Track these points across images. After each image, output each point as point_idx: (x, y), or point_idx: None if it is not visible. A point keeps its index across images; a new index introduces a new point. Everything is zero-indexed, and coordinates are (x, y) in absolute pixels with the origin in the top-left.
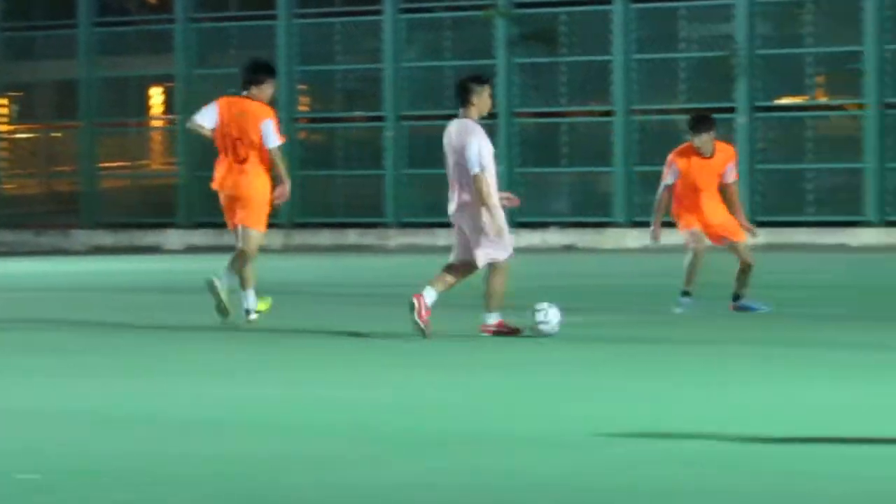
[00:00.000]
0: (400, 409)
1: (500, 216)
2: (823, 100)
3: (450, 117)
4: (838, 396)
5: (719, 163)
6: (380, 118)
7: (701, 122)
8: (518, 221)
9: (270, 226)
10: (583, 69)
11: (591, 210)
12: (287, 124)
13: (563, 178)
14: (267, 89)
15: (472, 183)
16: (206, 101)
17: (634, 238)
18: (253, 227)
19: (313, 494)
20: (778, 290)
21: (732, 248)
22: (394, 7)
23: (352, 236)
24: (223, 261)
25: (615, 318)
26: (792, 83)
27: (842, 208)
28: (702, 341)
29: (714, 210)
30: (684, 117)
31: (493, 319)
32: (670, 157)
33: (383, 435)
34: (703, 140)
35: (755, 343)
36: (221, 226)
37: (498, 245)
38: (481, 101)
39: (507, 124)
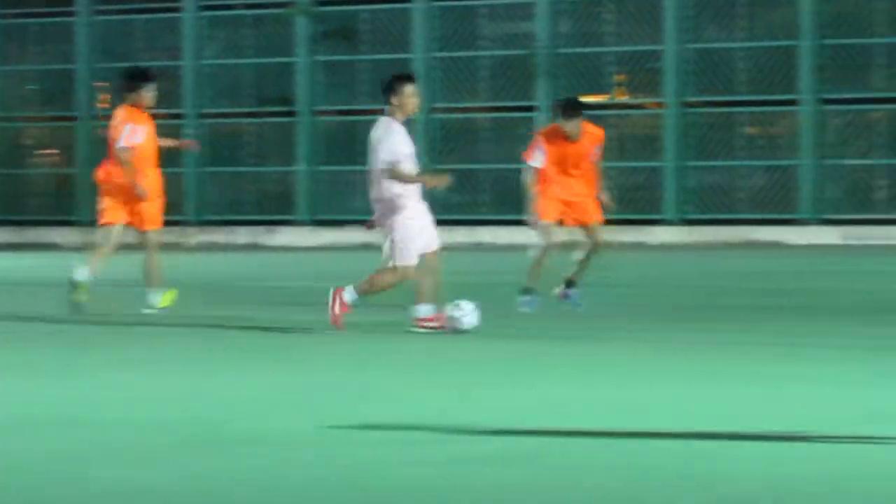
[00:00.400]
0: (202, 406)
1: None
2: (624, 98)
3: (250, 115)
4: (632, 393)
5: (587, 145)
6: (179, 116)
7: (571, 107)
8: (316, 219)
9: (68, 224)
10: (384, 67)
11: None
12: (86, 122)
13: (362, 175)
14: (145, 94)
15: (386, 180)
16: (4, 97)
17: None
18: (148, 227)
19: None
20: (586, 287)
21: (586, 228)
22: (194, 4)
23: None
24: (20, 258)
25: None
26: (593, 82)
27: (641, 206)
28: (505, 337)
29: (578, 189)
30: (485, 115)
31: (349, 297)
32: (537, 137)
33: (173, 432)
34: (573, 125)
35: (556, 340)
36: (17, 223)
37: (402, 250)
38: (402, 99)
39: (308, 122)
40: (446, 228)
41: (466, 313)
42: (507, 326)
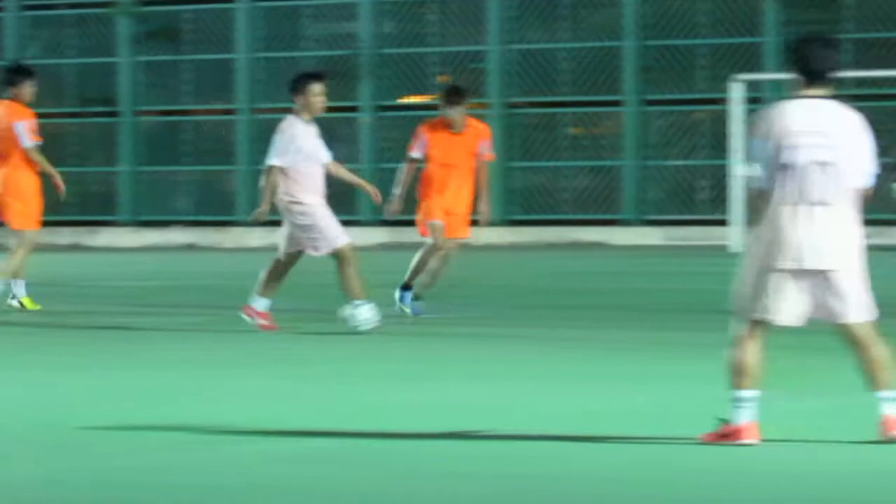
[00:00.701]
0: (31, 406)
1: (264, 211)
2: None
3: (72, 115)
4: (466, 395)
5: (471, 139)
6: None
7: (455, 93)
8: (139, 220)
9: None
10: (207, 68)
11: (213, 209)
12: None
13: (185, 176)
14: (25, 89)
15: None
16: None
17: (258, 237)
18: (25, 227)
19: None
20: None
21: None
22: (16, 3)
23: None
24: None
25: (227, 318)
26: (417, 82)
27: None
28: (323, 334)
29: (459, 197)
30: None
31: (355, 311)
32: (420, 129)
33: (10, 431)
34: (457, 113)
35: (383, 339)
36: None
37: (326, 238)
38: (306, 97)
39: (130, 123)
40: (271, 229)
41: (364, 313)
42: (332, 325)
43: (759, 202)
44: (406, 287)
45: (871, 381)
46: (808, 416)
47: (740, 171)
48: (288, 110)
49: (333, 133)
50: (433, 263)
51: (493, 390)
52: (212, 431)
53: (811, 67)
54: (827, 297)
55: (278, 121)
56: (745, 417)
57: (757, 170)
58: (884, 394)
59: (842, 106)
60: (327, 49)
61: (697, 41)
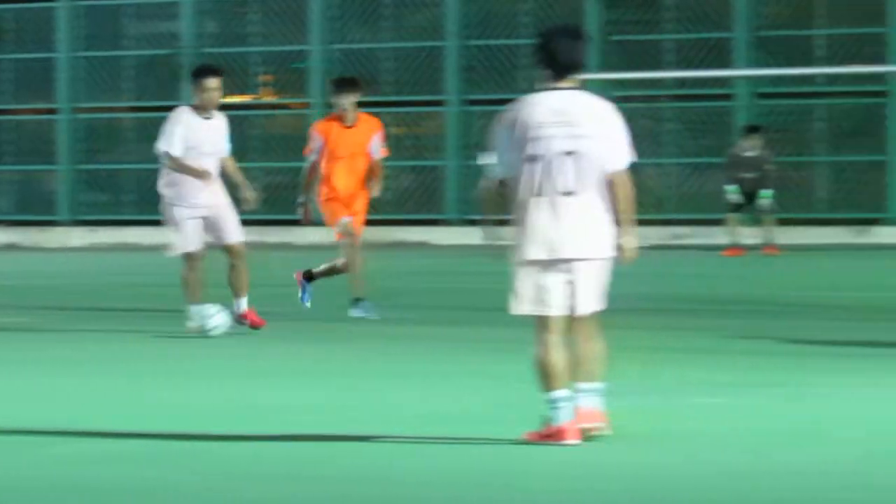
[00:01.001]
0: None
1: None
2: (270, 98)
3: None
4: (286, 395)
5: (364, 133)
6: None
7: (345, 83)
8: None
9: None
10: (28, 66)
11: (34, 208)
12: None
13: (6, 175)
14: None
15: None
16: None
17: (79, 236)
18: None
19: None
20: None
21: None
22: None
23: None
24: None
25: (48, 318)
26: (239, 82)
27: (286, 207)
28: (164, 336)
29: (354, 197)
30: (130, 115)
31: (193, 318)
32: (312, 127)
33: None
34: (347, 103)
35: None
36: None
37: (175, 236)
38: (199, 91)
39: None
40: (90, 230)
41: (212, 316)
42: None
43: (494, 193)
44: (356, 300)
45: (574, 371)
46: (627, 413)
47: (479, 161)
48: (112, 109)
49: (155, 132)
50: (355, 257)
51: (322, 390)
52: (29, 432)
53: (557, 60)
54: (571, 285)
55: (99, 120)
56: (563, 417)
57: (496, 160)
58: (584, 385)
59: (591, 96)
60: (149, 48)
61: (519, 41)
